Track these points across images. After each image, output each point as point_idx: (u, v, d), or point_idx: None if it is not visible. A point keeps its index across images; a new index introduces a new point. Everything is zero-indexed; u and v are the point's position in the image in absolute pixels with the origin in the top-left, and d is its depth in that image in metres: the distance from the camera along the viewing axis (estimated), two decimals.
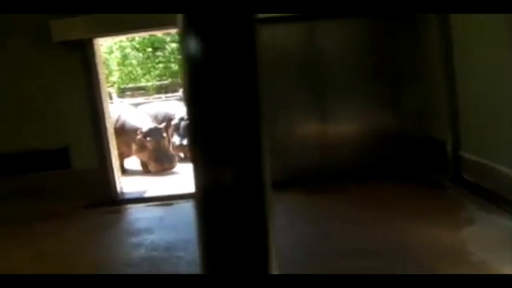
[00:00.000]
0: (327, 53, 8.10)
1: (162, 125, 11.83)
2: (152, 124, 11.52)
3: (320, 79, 8.12)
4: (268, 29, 7.79)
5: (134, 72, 21.23)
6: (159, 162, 11.13)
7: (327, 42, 8.10)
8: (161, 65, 21.21)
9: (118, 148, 11.16)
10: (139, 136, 11.18)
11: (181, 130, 12.18)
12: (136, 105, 14.23)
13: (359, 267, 4.59)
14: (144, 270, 5.20)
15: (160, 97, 24.08)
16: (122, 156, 11.36)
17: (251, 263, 0.93)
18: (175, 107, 13.41)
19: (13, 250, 6.19)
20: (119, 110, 12.20)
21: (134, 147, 11.30)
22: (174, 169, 11.28)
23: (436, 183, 7.26)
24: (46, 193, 8.01)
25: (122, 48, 20.45)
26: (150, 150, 11.16)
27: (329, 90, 8.12)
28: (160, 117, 12.34)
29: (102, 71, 8.85)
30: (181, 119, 12.43)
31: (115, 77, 21.13)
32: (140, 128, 11.24)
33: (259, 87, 0.88)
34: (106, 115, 8.43)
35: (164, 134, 11.55)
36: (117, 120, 11.50)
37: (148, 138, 11.12)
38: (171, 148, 11.81)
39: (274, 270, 0.92)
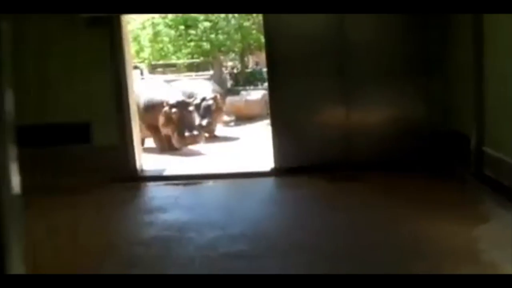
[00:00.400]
0: (357, 43, 7.95)
1: (191, 99, 11.88)
2: (179, 98, 11.53)
3: (348, 68, 8.00)
4: (296, 16, 7.72)
5: (165, 49, 21.27)
6: (182, 135, 11.04)
7: (357, 32, 7.95)
8: (192, 44, 21.20)
9: (148, 123, 11.48)
10: (165, 108, 11.20)
11: (201, 110, 12.20)
12: (167, 82, 14.25)
13: (363, 260, 4.55)
14: (154, 249, 5.24)
15: (191, 75, 24.22)
16: (151, 131, 11.68)
17: None
18: (201, 86, 13.43)
19: (28, 222, 6.26)
20: (149, 85, 12.28)
21: (160, 119, 11.30)
22: (198, 148, 11.21)
23: (459, 177, 7.12)
24: (66, 167, 8.10)
25: (154, 25, 20.48)
26: (175, 122, 11.11)
27: (356, 80, 7.99)
28: (183, 95, 12.24)
29: (128, 48, 8.85)
30: (203, 99, 12.46)
31: (146, 53, 21.21)
32: (167, 101, 11.27)
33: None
34: (130, 92, 8.45)
35: (191, 108, 11.53)
36: (146, 96, 11.59)
37: (173, 110, 11.12)
38: None
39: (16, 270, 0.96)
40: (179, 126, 11.09)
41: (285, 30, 8.02)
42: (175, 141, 11.20)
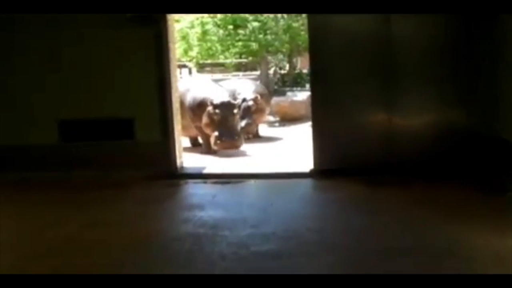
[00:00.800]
0: (401, 45, 7.88)
1: (237, 101, 11.70)
2: (225, 98, 11.30)
3: (390, 70, 7.93)
4: (341, 16, 7.72)
5: (213, 48, 21.47)
6: (220, 139, 10.78)
7: (402, 34, 7.87)
8: (240, 43, 21.33)
9: (194, 122, 11.46)
10: (209, 108, 11.04)
11: (241, 111, 12.16)
12: (215, 81, 14.30)
13: (394, 266, 4.54)
14: (187, 245, 5.33)
15: (238, 75, 24.39)
16: (198, 130, 11.62)
17: None
18: (244, 86, 13.43)
19: (70, 216, 6.49)
20: (196, 84, 12.13)
21: (204, 119, 11.15)
22: (241, 149, 11.07)
23: (500, 186, 6.98)
24: (108, 162, 8.33)
25: (203, 24, 20.70)
26: (216, 124, 10.93)
27: (398, 82, 7.92)
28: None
29: (174, 47, 9.02)
30: (243, 100, 12.44)
31: (194, 52, 21.45)
32: (212, 100, 11.11)
33: None
34: (173, 90, 8.61)
35: (235, 111, 11.29)
36: (194, 95, 11.50)
37: (217, 111, 10.95)
38: None
39: None
40: (219, 128, 10.88)
41: (329, 31, 8.00)
42: (212, 143, 10.98)
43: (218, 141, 10.83)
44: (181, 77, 22.08)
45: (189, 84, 12.22)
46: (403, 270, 4.36)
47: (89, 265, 4.87)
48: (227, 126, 10.93)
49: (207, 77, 16.34)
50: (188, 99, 11.53)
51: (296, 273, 4.40)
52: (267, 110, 14.26)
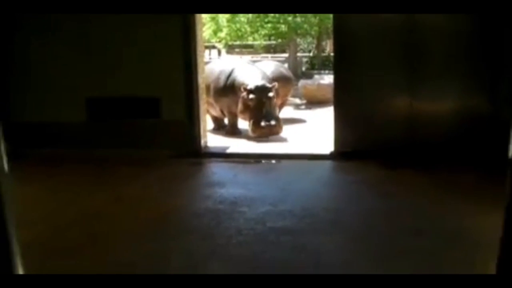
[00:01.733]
0: (425, 32, 7.93)
1: (273, 84, 10.89)
2: (260, 81, 10.68)
3: (413, 55, 7.99)
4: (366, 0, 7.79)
5: (242, 29, 21.59)
6: (258, 126, 10.28)
7: (426, 20, 7.90)
8: (269, 25, 21.41)
9: (229, 108, 11.10)
10: (243, 94, 10.51)
11: None
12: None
13: (408, 246, 4.69)
14: (206, 220, 5.56)
15: (267, 57, 24.47)
16: (233, 116, 11.21)
17: None
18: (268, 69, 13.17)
19: (95, 191, 6.77)
20: (231, 65, 11.46)
21: (239, 106, 10.71)
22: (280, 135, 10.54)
23: None
24: (135, 140, 8.61)
25: None
26: (251, 110, 10.42)
27: (421, 67, 7.98)
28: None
29: (201, 28, 9.22)
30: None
31: (223, 34, 21.60)
32: (246, 85, 10.55)
33: None
34: (200, 71, 8.80)
35: (271, 94, 10.59)
36: (228, 77, 11.08)
37: (251, 96, 10.42)
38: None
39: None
40: (256, 114, 10.34)
41: (354, 16, 8.10)
42: (250, 130, 10.46)
43: (257, 128, 10.33)
44: (210, 58, 22.27)
45: (225, 65, 11.68)
46: (411, 251, 4.53)
47: (112, 237, 5.14)
48: (264, 111, 10.36)
49: (244, 58, 15.06)
50: (221, 80, 11.14)
51: (305, 248, 4.61)
52: (289, 94, 13.77)
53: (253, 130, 10.37)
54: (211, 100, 11.22)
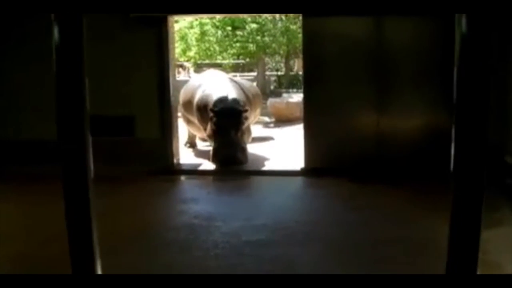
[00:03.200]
0: (393, 48, 8.22)
1: (245, 108, 9.41)
2: (229, 103, 9.25)
3: (381, 73, 8.26)
4: (335, 20, 8.07)
5: (211, 48, 21.80)
6: (215, 155, 9.02)
7: (394, 37, 8.19)
8: (238, 44, 21.66)
9: (201, 125, 9.86)
10: (211, 115, 9.19)
11: None
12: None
13: (369, 253, 4.91)
14: (183, 234, 5.71)
15: (236, 75, 24.69)
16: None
17: None
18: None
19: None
20: (209, 80, 10.38)
21: (207, 129, 9.51)
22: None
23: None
24: (110, 158, 8.65)
25: (202, 25, 21.02)
26: (215, 135, 9.13)
27: (389, 85, 8.24)
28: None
29: (173, 47, 9.39)
30: None
31: (192, 52, 21.77)
32: (212, 106, 9.24)
33: None
34: (172, 89, 8.94)
35: (240, 119, 9.15)
36: (202, 93, 9.87)
37: (215, 120, 9.10)
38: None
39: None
40: (218, 141, 9.02)
41: (323, 34, 8.32)
42: (211, 158, 9.15)
43: (214, 158, 8.98)
44: (178, 77, 22.36)
45: (201, 80, 10.74)
46: (383, 258, 4.76)
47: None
48: (226, 140, 8.89)
49: (222, 73, 12.31)
50: (197, 98, 9.98)
51: (281, 259, 4.80)
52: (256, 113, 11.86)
53: (212, 160, 9.02)
54: (192, 117, 10.28)
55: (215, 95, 9.47)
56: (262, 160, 10.12)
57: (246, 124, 9.37)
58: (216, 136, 9.02)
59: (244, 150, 9.21)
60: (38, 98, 8.76)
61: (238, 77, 23.66)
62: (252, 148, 10.68)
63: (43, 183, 7.80)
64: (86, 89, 1.38)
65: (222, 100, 9.27)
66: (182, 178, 8.59)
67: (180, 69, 24.59)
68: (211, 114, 9.14)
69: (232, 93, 9.55)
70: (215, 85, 9.92)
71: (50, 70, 1.41)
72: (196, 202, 7.04)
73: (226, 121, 8.95)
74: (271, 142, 12.91)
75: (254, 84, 14.18)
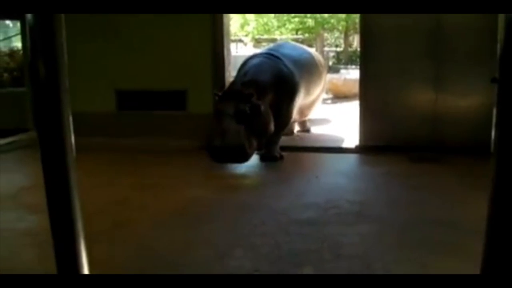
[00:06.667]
0: (451, 26, 7.90)
1: (248, 91, 7.49)
2: (238, 83, 7.69)
3: (440, 51, 7.97)
4: None
5: (269, 23, 21.61)
6: (207, 146, 7.44)
7: (453, 16, 7.86)
8: (296, 19, 21.39)
9: None
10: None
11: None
12: None
13: (431, 237, 4.69)
14: (230, 211, 5.61)
15: None
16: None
17: None
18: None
19: (122, 178, 6.91)
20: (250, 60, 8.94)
21: None
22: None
23: None
24: (161, 131, 8.74)
25: None
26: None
27: (447, 64, 7.97)
28: None
29: (228, 21, 9.27)
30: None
31: (250, 27, 21.64)
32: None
33: None
34: (226, 64, 8.86)
35: (242, 107, 7.30)
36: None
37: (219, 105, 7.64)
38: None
39: None
40: (212, 131, 7.44)
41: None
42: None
43: (207, 149, 7.41)
44: (237, 52, 22.33)
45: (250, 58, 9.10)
46: (434, 241, 4.53)
47: (136, 223, 5.23)
48: (219, 129, 7.28)
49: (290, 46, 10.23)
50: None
51: (328, 239, 4.64)
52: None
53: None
54: None
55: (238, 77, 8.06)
56: (317, 136, 9.95)
57: (263, 111, 7.39)
58: (213, 124, 7.48)
59: (242, 147, 7.10)
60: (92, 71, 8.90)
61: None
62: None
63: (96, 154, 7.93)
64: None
65: (234, 83, 7.85)
66: None
67: (242, 44, 24.53)
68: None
69: (255, 74, 7.76)
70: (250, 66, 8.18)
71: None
72: (246, 178, 6.94)
73: (224, 105, 7.35)
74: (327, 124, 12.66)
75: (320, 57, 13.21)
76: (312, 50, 11.61)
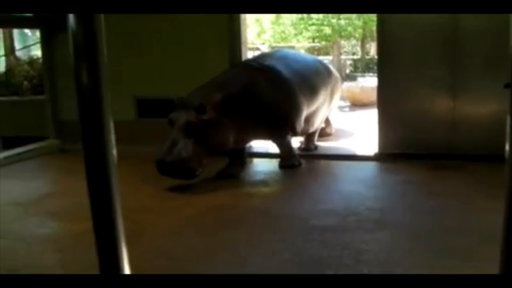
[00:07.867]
0: (469, 32, 7.86)
1: (199, 104, 7.20)
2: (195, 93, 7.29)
3: (458, 58, 7.93)
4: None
5: (286, 31, 21.68)
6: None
7: (470, 21, 7.84)
8: (313, 27, 21.44)
9: None
10: None
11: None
12: None
13: (452, 245, 4.70)
14: (250, 217, 5.66)
15: None
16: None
17: None
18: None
19: (140, 186, 6.97)
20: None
21: None
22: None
23: None
24: None
25: None
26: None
27: (466, 71, 7.92)
28: None
29: (246, 30, 9.35)
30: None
31: (267, 35, 21.73)
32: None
33: None
34: None
35: (191, 119, 6.88)
36: None
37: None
38: None
39: None
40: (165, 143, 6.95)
41: (398, 17, 8.09)
42: None
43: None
44: None
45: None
46: (455, 249, 4.54)
47: (157, 232, 5.29)
48: (167, 142, 6.89)
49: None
50: None
51: (348, 246, 4.66)
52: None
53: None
54: None
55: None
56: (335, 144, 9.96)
57: (218, 125, 6.90)
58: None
59: (186, 162, 6.67)
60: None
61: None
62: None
63: None
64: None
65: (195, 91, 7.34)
66: (253, 161, 8.54)
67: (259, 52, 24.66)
68: None
69: (223, 85, 7.30)
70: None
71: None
72: (266, 185, 6.99)
73: (175, 115, 6.96)
74: (344, 125, 12.67)
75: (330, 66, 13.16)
76: (316, 57, 11.65)
